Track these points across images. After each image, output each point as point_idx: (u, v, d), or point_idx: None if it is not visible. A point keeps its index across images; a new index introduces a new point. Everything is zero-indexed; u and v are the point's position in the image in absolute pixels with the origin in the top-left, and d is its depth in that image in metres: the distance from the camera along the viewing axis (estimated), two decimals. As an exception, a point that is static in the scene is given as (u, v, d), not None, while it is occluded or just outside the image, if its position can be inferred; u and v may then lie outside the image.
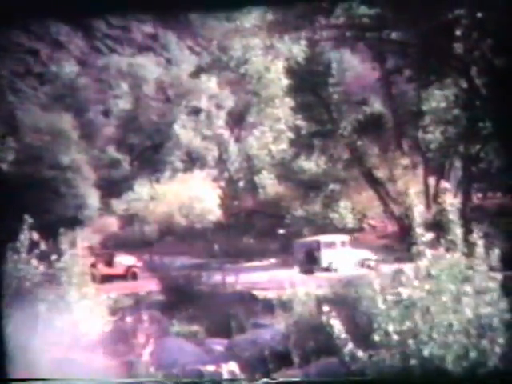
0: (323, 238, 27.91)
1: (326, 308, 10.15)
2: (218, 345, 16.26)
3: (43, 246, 14.27)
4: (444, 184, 11.29)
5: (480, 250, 10.05)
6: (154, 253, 30.89)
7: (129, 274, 27.61)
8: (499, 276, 10.10)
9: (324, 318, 10.11)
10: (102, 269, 27.07)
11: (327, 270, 25.14)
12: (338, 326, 9.92)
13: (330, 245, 27.20)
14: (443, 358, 9.54)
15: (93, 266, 26.56)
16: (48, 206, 31.08)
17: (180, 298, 21.46)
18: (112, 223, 34.95)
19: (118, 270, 27.67)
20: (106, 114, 39.58)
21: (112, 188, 35.68)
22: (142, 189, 35.57)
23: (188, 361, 14.31)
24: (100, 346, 13.85)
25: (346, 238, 27.80)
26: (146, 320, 14.76)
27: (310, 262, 26.40)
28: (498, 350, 9.62)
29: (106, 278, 25.53)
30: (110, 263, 27.81)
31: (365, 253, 24.73)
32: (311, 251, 27.23)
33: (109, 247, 32.51)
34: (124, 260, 28.26)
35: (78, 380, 11.61)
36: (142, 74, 39.49)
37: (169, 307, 20.60)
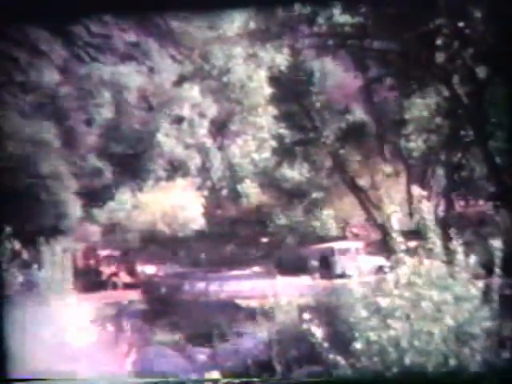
0: (337, 245, 27.91)
1: (306, 316, 10.15)
2: (201, 353, 16.25)
3: (25, 255, 14.24)
4: (421, 192, 11.31)
5: (460, 257, 10.09)
6: (137, 261, 30.80)
7: (150, 283, 27.36)
8: (480, 283, 10.14)
9: (305, 326, 10.11)
10: (124, 278, 26.98)
11: (341, 276, 25.18)
12: (319, 334, 9.92)
13: (345, 251, 27.19)
14: (424, 366, 9.56)
15: (114, 274, 26.67)
16: (29, 214, 30.94)
17: (162, 307, 21.42)
18: (94, 232, 34.81)
19: (139, 278, 27.45)
20: (88, 122, 39.40)
21: (94, 196, 35.55)
22: (124, 197, 35.45)
23: (170, 369, 14.29)
24: (82, 355, 13.80)
25: (360, 244, 27.80)
26: (128, 329, 14.72)
27: (325, 268, 26.36)
28: (478, 357, 9.66)
29: (128, 287, 25.56)
30: (131, 272, 27.67)
31: (379, 259, 24.77)
32: (325, 258, 27.15)
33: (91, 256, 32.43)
34: (145, 269, 28.12)
35: (78, 380, 11.58)
36: (124, 83, 39.38)
37: (151, 316, 20.57)
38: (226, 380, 12.91)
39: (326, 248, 28.02)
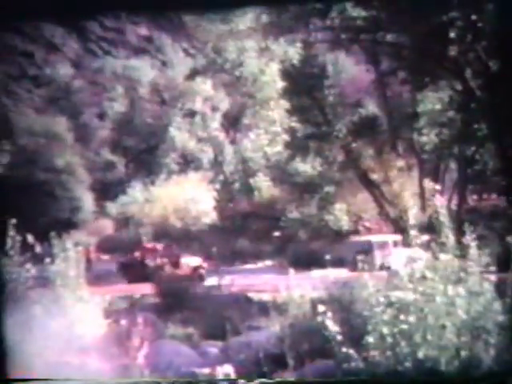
0: (375, 238, 27.79)
1: (321, 308, 10.15)
2: (213, 347, 16.26)
3: (38, 248, 14.27)
4: (435, 186, 11.30)
5: (473, 251, 10.06)
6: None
7: (195, 275, 27.46)
8: (493, 277, 10.11)
9: (319, 319, 10.11)
10: (170, 270, 27.18)
11: (380, 269, 25.09)
12: (332, 327, 9.92)
13: (383, 245, 27.08)
14: (437, 360, 9.54)
15: (160, 267, 26.82)
16: (43, 208, 31.07)
17: (175, 301, 21.44)
18: (107, 226, 34.93)
19: (184, 271, 27.53)
20: (101, 116, 39.54)
21: (107, 191, 35.68)
22: (137, 191, 35.54)
23: (183, 363, 14.31)
24: (94, 348, 13.82)
25: (398, 237, 27.72)
26: (140, 323, 14.73)
27: (364, 261, 26.22)
28: (491, 351, 9.63)
29: (173, 279, 25.73)
30: (176, 264, 27.79)
31: (418, 251, 24.58)
32: (363, 251, 27.06)
33: (104, 249, 32.55)
34: (190, 261, 28.18)
35: (78, 380, 11.60)
36: (136, 77, 39.49)
37: (164, 310, 20.59)
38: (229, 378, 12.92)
39: (364, 241, 27.86)
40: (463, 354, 9.65)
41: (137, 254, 28.34)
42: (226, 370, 13.39)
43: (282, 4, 20.75)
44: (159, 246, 29.10)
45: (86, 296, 15.09)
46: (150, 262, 27.71)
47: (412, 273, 10.06)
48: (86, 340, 13.84)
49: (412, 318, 9.77)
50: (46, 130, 34.29)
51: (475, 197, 33.46)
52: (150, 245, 29.10)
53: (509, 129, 27.29)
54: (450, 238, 10.17)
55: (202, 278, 27.27)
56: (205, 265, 28.00)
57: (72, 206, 33.95)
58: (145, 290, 23.57)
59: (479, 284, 10.03)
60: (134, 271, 27.06)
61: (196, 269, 27.78)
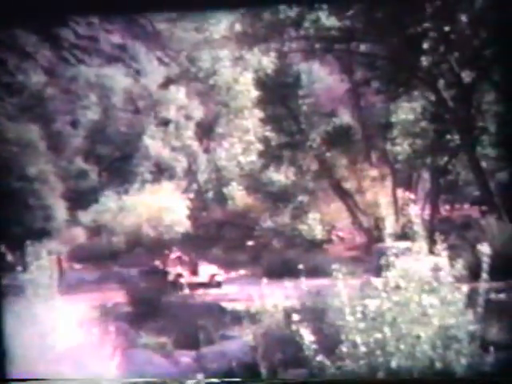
0: (399, 244, 27.77)
1: (295, 317, 10.16)
2: (186, 356, 16.23)
3: (9, 257, 14.18)
4: (409, 195, 11.37)
5: (445, 261, 10.14)
6: (122, 264, 30.76)
7: (213, 282, 27.50)
8: (464, 287, 10.18)
9: (294, 328, 10.13)
10: (188, 278, 27.27)
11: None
12: (307, 336, 9.93)
13: (405, 251, 27.06)
14: (410, 370, 9.58)
15: (180, 275, 26.99)
16: (15, 217, 30.81)
17: (148, 310, 21.37)
18: (79, 234, 34.71)
19: (202, 278, 27.60)
20: (74, 124, 39.30)
21: (80, 199, 35.43)
22: (111, 200, 35.36)
23: (155, 373, 14.26)
24: (66, 357, 13.74)
25: (423, 244, 27.64)
26: (112, 332, 14.66)
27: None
28: (463, 361, 9.68)
29: (191, 287, 26.11)
30: (195, 272, 27.86)
31: (436, 258, 24.58)
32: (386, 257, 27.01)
33: (76, 258, 32.33)
34: (208, 269, 28.23)
35: (78, 380, 11.55)
36: (110, 85, 39.29)
37: (136, 319, 20.51)
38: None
39: (386, 247, 27.85)
40: (436, 363, 9.70)
41: (158, 262, 28.42)
42: (199, 379, 13.35)
43: (256, 11, 20.84)
44: (179, 254, 29.26)
45: (58, 305, 15.00)
46: (171, 270, 27.86)
47: (386, 282, 10.11)
48: (58, 349, 13.75)
49: (385, 328, 9.81)
50: (18, 137, 34.04)
51: (448, 207, 33.64)
52: (171, 253, 29.17)
53: (481, 139, 27.58)
54: (423, 247, 10.25)
55: (219, 285, 27.45)
56: (221, 272, 28.11)
57: (44, 215, 33.71)
58: (117, 298, 23.46)
59: (451, 293, 10.08)
60: (156, 280, 27.17)
61: (213, 276, 27.81)
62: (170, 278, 27.30)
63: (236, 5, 17.77)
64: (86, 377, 12.57)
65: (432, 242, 10.71)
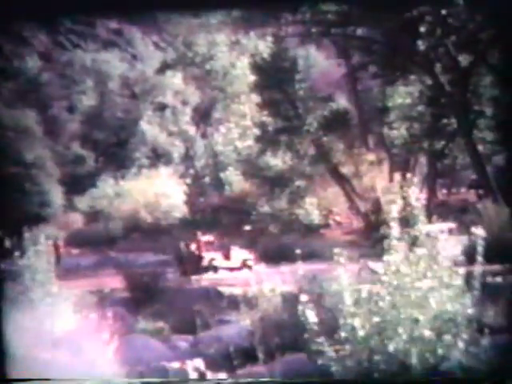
0: (428, 228, 27.76)
1: (303, 298, 10.18)
2: (183, 341, 16.25)
3: (7, 243, 14.18)
4: (411, 178, 11.34)
5: (443, 244, 10.13)
6: (119, 249, 30.79)
7: (244, 267, 27.80)
8: (461, 271, 10.19)
9: (300, 309, 10.14)
10: (222, 262, 27.82)
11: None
12: (312, 318, 9.95)
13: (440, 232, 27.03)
14: (408, 353, 9.60)
15: (213, 259, 27.32)
16: (12, 202, 30.77)
17: (145, 295, 21.39)
18: (76, 220, 34.71)
19: (234, 263, 27.96)
20: (71, 110, 39.24)
21: (77, 184, 35.42)
22: (107, 185, 35.35)
23: (152, 358, 14.27)
24: (63, 342, 13.75)
25: (453, 225, 27.67)
26: (110, 317, 14.68)
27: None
28: (461, 344, 9.70)
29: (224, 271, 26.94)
30: (227, 257, 28.19)
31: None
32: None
33: (74, 244, 32.34)
34: (240, 253, 28.42)
35: (78, 380, 11.56)
36: (106, 70, 39.22)
37: (134, 304, 20.53)
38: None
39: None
40: (434, 347, 9.72)
41: (193, 246, 28.60)
42: (196, 364, 13.38)
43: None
44: (213, 238, 29.51)
45: (55, 290, 15.01)
46: (205, 255, 28.16)
47: (387, 266, 10.11)
48: (56, 335, 13.77)
49: (385, 312, 9.83)
50: (15, 123, 33.97)
51: (445, 191, 33.68)
52: (205, 237, 29.38)
53: (478, 123, 27.55)
54: (422, 231, 10.25)
55: (250, 269, 27.72)
56: (252, 257, 28.32)
57: (41, 200, 33.69)
58: (115, 284, 23.48)
59: (448, 277, 10.10)
60: (191, 264, 27.43)
61: (245, 261, 28.04)
62: (204, 262, 27.73)
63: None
64: (86, 376, 12.60)
65: (430, 225, 10.72)
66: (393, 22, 25.13)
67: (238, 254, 28.61)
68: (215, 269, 27.37)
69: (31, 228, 15.81)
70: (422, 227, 10.53)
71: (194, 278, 25.50)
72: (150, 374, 13.14)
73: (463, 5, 23.71)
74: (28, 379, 10.94)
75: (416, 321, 9.73)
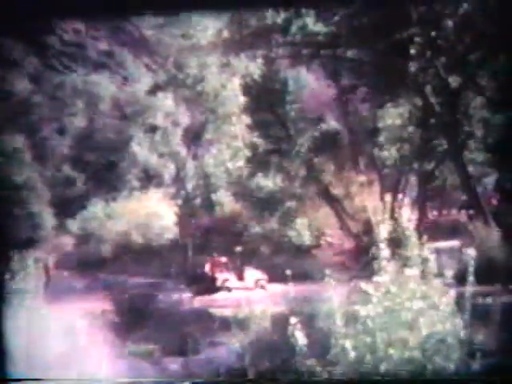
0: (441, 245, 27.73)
1: (292, 320, 10.15)
2: (174, 363, 16.20)
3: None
4: (404, 200, 11.39)
5: (433, 265, 10.13)
6: (110, 272, 30.69)
7: (257, 287, 28.05)
8: (452, 292, 10.17)
9: (289, 330, 10.11)
10: (235, 283, 28.18)
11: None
12: (301, 340, 9.92)
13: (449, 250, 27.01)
14: (399, 375, 9.56)
15: (226, 280, 27.49)
16: (2, 226, 30.63)
17: (136, 318, 21.31)
18: (67, 242, 34.59)
19: (248, 283, 28.19)
20: (61, 132, 39.19)
21: (67, 207, 35.31)
22: (98, 207, 35.26)
23: (143, 381, 14.20)
24: (53, 365, 13.67)
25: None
26: (100, 340, 14.61)
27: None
28: (451, 366, 9.67)
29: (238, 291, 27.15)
30: (241, 277, 28.26)
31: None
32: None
33: (64, 266, 32.21)
34: (253, 274, 28.59)
35: (78, 380, 11.50)
36: (97, 92, 39.23)
37: (124, 327, 20.44)
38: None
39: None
40: (425, 368, 9.68)
41: (206, 267, 28.67)
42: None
43: (243, 17, 20.83)
44: (226, 259, 29.56)
45: (45, 313, 14.94)
46: (219, 276, 28.26)
47: (377, 287, 10.10)
48: (45, 357, 13.68)
49: (375, 333, 9.80)
50: (4, 145, 33.88)
51: (435, 212, 33.69)
52: (218, 258, 29.45)
53: (468, 144, 27.64)
54: (414, 252, 10.24)
55: (263, 289, 27.97)
56: (265, 277, 28.30)
57: (32, 223, 33.56)
58: (105, 306, 23.37)
59: (439, 298, 10.08)
60: (204, 285, 27.45)
61: (258, 281, 28.07)
62: (218, 282, 27.85)
63: (223, 9, 17.77)
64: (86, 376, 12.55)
65: (420, 247, 10.69)
66: (383, 44, 25.25)
67: (252, 274, 28.74)
68: (229, 289, 27.60)
69: (22, 251, 15.75)
70: (414, 248, 10.53)
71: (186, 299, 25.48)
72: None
73: (452, 27, 23.88)
74: (28, 379, 10.89)
75: (405, 342, 9.72)
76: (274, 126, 31.79)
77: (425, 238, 11.66)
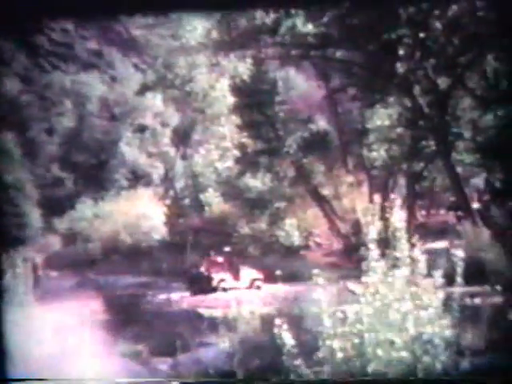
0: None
1: (278, 321, 10.15)
2: (163, 364, 16.19)
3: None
4: (393, 200, 11.39)
5: (422, 266, 10.16)
6: (99, 271, 30.63)
7: (253, 287, 27.94)
8: (441, 293, 10.20)
9: (276, 331, 10.11)
10: (231, 282, 28.03)
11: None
12: (288, 340, 9.93)
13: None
14: (386, 375, 9.59)
15: (223, 280, 27.47)
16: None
17: (125, 318, 21.27)
18: (55, 242, 34.52)
19: (244, 283, 28.11)
20: (50, 132, 39.10)
21: (55, 207, 35.23)
22: (87, 207, 35.21)
23: (132, 381, 14.19)
24: (43, 366, 13.65)
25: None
26: (90, 340, 14.59)
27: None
28: (439, 366, 9.70)
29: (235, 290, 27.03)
30: (237, 277, 28.24)
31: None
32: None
33: (52, 266, 32.12)
34: (249, 273, 28.57)
35: (78, 380, 11.48)
36: (86, 92, 39.16)
37: (113, 327, 20.40)
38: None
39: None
40: (412, 368, 9.71)
41: (203, 267, 28.64)
42: (176, 386, 13.33)
43: (232, 18, 20.86)
44: (222, 259, 29.53)
45: (34, 313, 14.91)
46: (215, 275, 28.23)
47: (366, 287, 10.12)
48: (34, 357, 13.66)
49: (364, 333, 9.82)
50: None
51: (424, 212, 33.77)
52: (215, 257, 29.42)
53: (457, 145, 27.73)
54: (404, 252, 10.27)
55: (259, 289, 27.75)
56: (261, 276, 28.28)
57: (20, 223, 33.46)
58: (94, 306, 23.33)
59: (428, 298, 10.11)
60: (201, 284, 27.38)
61: (254, 280, 28.10)
62: (214, 282, 27.83)
63: (212, 10, 17.79)
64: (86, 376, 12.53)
65: (409, 247, 10.72)
66: (372, 45, 25.32)
67: (248, 273, 28.74)
68: (224, 289, 27.62)
69: (9, 250, 15.70)
70: (403, 248, 10.56)
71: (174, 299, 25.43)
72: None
73: (441, 28, 23.96)
74: (28, 379, 10.87)
75: (392, 343, 9.75)
76: (263, 126, 31.78)
77: (414, 238, 11.69)
